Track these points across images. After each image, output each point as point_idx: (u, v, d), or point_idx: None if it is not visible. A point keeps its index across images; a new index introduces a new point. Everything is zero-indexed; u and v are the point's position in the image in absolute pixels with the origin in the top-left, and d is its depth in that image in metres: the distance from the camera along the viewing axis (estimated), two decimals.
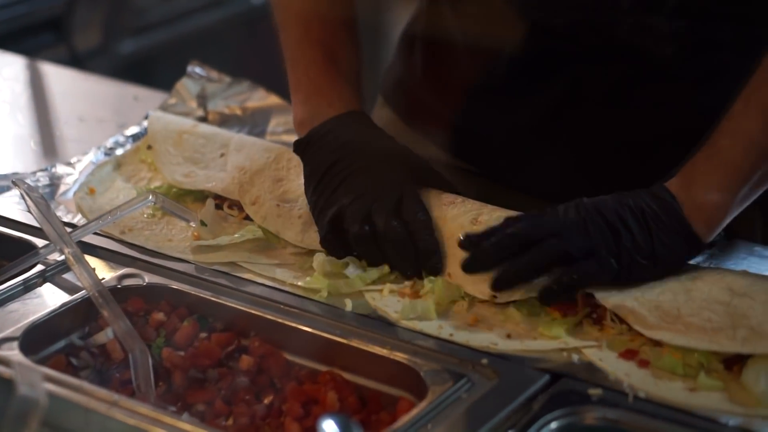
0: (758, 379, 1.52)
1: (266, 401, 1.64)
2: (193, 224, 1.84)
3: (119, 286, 1.76)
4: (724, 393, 1.53)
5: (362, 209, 1.74)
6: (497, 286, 1.66)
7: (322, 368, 1.65)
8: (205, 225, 1.83)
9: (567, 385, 1.55)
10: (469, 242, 1.67)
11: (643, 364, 1.59)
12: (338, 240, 1.76)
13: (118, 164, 2.08)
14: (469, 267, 1.67)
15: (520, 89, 1.89)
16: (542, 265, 1.64)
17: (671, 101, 1.85)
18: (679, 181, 1.68)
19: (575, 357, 1.61)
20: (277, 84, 2.44)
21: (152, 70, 2.52)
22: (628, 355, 1.60)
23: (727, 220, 1.68)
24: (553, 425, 1.48)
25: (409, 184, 1.78)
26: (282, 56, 1.96)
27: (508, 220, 1.67)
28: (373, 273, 1.75)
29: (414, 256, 1.73)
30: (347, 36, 1.94)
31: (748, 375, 1.53)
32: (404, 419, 1.49)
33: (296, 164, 1.92)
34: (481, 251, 1.67)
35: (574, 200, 1.68)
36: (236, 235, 1.83)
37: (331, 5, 1.94)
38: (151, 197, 1.82)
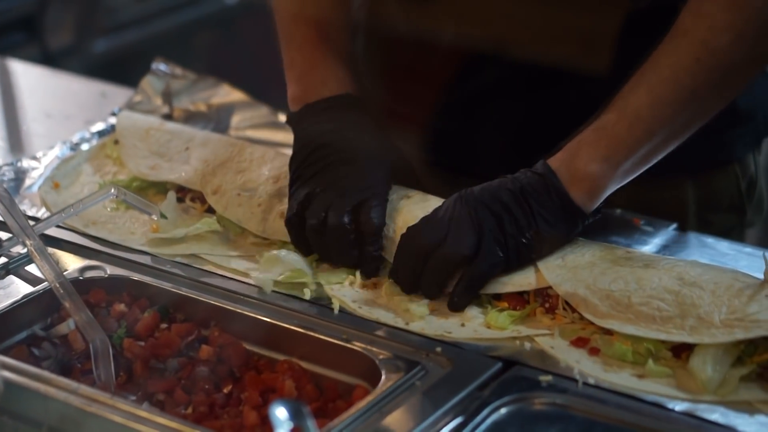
0: (705, 365, 1.55)
1: (225, 390, 1.66)
2: (155, 217, 1.87)
3: (81, 278, 1.79)
4: (671, 379, 1.57)
5: (326, 202, 1.78)
6: (428, 297, 1.73)
7: (280, 357, 1.68)
8: (166, 217, 1.86)
9: (518, 372, 1.58)
10: (392, 273, 1.75)
11: (594, 351, 1.62)
12: (300, 225, 1.79)
13: (84, 159, 2.11)
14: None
15: (455, 74, 1.93)
16: (444, 275, 1.71)
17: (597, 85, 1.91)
18: (563, 154, 1.74)
19: (527, 345, 1.64)
20: (249, 82, 2.47)
21: (125, 69, 2.54)
22: (579, 343, 1.64)
23: (608, 191, 1.74)
24: (503, 411, 1.51)
25: (382, 185, 1.81)
26: (253, 54, 2.00)
27: (406, 238, 1.73)
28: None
29: (353, 258, 1.77)
30: (339, 16, 1.99)
31: (695, 362, 1.56)
32: (358, 406, 1.52)
33: (258, 157, 1.96)
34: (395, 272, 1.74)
35: (460, 192, 1.74)
36: (191, 228, 1.86)
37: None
38: (113, 190, 1.84)
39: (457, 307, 1.70)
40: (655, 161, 1.75)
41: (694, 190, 2.02)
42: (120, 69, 2.62)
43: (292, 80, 1.93)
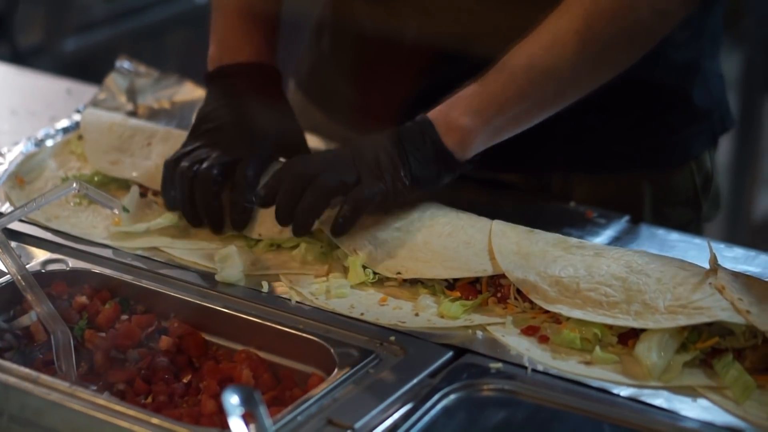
0: (650, 352, 1.59)
1: (184, 380, 1.70)
2: (116, 211, 1.90)
3: (43, 271, 1.82)
4: (618, 366, 1.61)
5: (204, 154, 1.88)
6: (296, 231, 1.81)
7: (238, 347, 1.72)
8: (128, 211, 1.89)
9: (469, 360, 1.62)
10: (262, 200, 1.84)
11: (543, 339, 1.66)
12: (173, 173, 1.89)
13: (48, 155, 2.14)
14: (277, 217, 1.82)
15: (421, 70, 1.97)
16: (323, 200, 1.79)
17: None
18: (443, 105, 1.83)
19: (479, 334, 1.68)
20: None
21: (95, 68, 2.57)
22: (530, 331, 1.68)
23: (480, 143, 1.83)
24: (453, 396, 1.55)
25: (263, 150, 1.91)
26: None
27: (286, 165, 1.84)
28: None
29: (213, 207, 1.87)
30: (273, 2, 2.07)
31: (641, 348, 1.60)
32: (311, 393, 1.55)
33: None
34: (275, 202, 1.82)
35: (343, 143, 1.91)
36: (153, 222, 1.89)
37: None
38: (75, 185, 1.87)
39: (341, 229, 1.80)
40: (529, 125, 1.84)
41: (651, 186, 2.07)
42: (90, 68, 2.65)
43: (213, 42, 2.04)
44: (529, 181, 2.08)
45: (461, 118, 1.81)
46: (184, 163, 1.87)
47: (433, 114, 1.83)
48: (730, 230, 4.10)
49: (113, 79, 2.33)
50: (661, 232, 1.97)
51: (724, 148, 4.22)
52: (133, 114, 2.28)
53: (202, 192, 1.86)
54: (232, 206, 1.86)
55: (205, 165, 1.86)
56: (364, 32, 2.06)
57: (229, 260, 1.80)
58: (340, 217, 1.79)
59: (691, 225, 2.12)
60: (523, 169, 2.05)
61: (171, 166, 1.89)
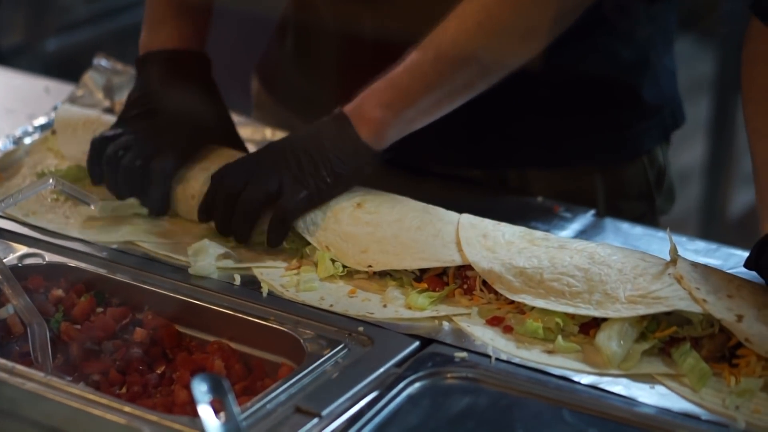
0: (610, 341, 1.64)
1: (158, 371, 1.74)
2: (92, 206, 1.94)
3: (20, 265, 1.86)
4: (579, 354, 1.66)
5: (127, 143, 1.95)
6: (237, 241, 1.89)
7: (211, 339, 1.76)
8: (102, 205, 1.93)
9: (435, 350, 1.67)
10: (202, 219, 1.91)
11: (508, 329, 1.71)
12: (100, 151, 1.97)
13: (26, 152, 2.17)
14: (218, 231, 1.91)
15: (382, 65, 2.01)
16: (252, 215, 1.86)
17: None
18: (356, 100, 1.89)
19: (446, 324, 1.72)
20: None
21: (76, 68, 2.60)
22: (494, 321, 1.72)
23: (394, 133, 1.89)
24: (418, 384, 1.59)
25: (183, 140, 1.97)
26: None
27: (215, 181, 1.89)
28: None
29: (140, 199, 1.95)
30: None
31: (601, 337, 1.65)
32: (279, 382, 1.59)
33: None
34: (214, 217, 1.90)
35: (262, 147, 1.94)
36: (118, 204, 1.95)
37: None
38: (51, 181, 1.91)
39: (272, 242, 1.86)
40: (441, 114, 1.90)
41: (605, 180, 2.13)
42: (71, 68, 2.67)
43: (144, 29, 2.12)
44: (487, 177, 2.13)
45: (373, 111, 1.87)
46: (111, 149, 1.95)
47: (348, 108, 1.89)
48: (706, 228, 4.15)
49: (90, 77, 2.37)
50: (625, 225, 2.01)
51: (700, 147, 4.28)
52: (110, 111, 2.32)
53: (127, 185, 1.94)
54: (150, 196, 1.95)
55: (128, 156, 1.93)
56: (326, 30, 2.10)
57: (201, 253, 1.84)
58: (270, 231, 1.85)
59: (645, 218, 2.16)
60: (481, 164, 2.10)
61: (97, 145, 1.98)
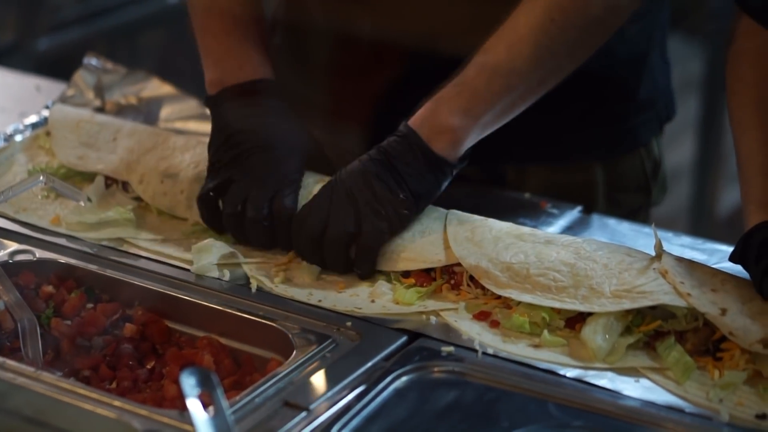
0: (595, 334, 1.65)
1: (148, 366, 1.76)
2: (82, 203, 1.95)
3: (11, 262, 1.87)
4: (565, 348, 1.67)
5: (243, 192, 1.87)
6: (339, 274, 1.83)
7: (200, 334, 1.77)
8: (91, 201, 1.95)
9: (422, 344, 1.68)
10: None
11: (494, 324, 1.72)
12: (213, 205, 1.90)
13: (17, 150, 2.19)
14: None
15: (374, 68, 2.03)
16: (341, 256, 1.81)
17: None
18: (424, 111, 1.84)
19: (433, 319, 1.74)
20: (190, 80, 2.54)
21: (68, 67, 2.61)
22: (481, 316, 1.74)
23: (470, 141, 1.85)
24: (405, 378, 1.61)
25: (296, 173, 1.90)
26: (194, 52, 2.08)
27: (296, 228, 1.84)
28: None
29: (268, 242, 1.88)
30: (252, 6, 2.05)
31: (587, 331, 1.67)
32: (268, 376, 1.61)
33: (181, 145, 2.04)
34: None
35: (329, 181, 1.86)
36: (104, 215, 1.95)
37: None
38: (42, 177, 1.92)
39: (362, 277, 1.82)
40: (514, 114, 1.87)
41: (603, 173, 2.14)
42: (63, 67, 2.68)
43: (209, 66, 2.01)
44: (484, 173, 2.14)
45: (449, 119, 1.82)
46: (228, 209, 1.88)
47: (416, 122, 1.84)
48: (694, 226, 4.17)
49: (81, 76, 2.38)
50: (612, 221, 2.03)
51: (688, 145, 4.30)
52: (100, 110, 2.33)
53: (256, 236, 1.87)
54: (279, 240, 1.88)
55: (250, 210, 1.86)
56: (316, 28, 2.11)
57: (205, 252, 1.86)
58: (356, 268, 1.81)
59: (642, 210, 2.19)
60: (478, 160, 2.11)
61: (209, 202, 1.90)
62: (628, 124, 2.13)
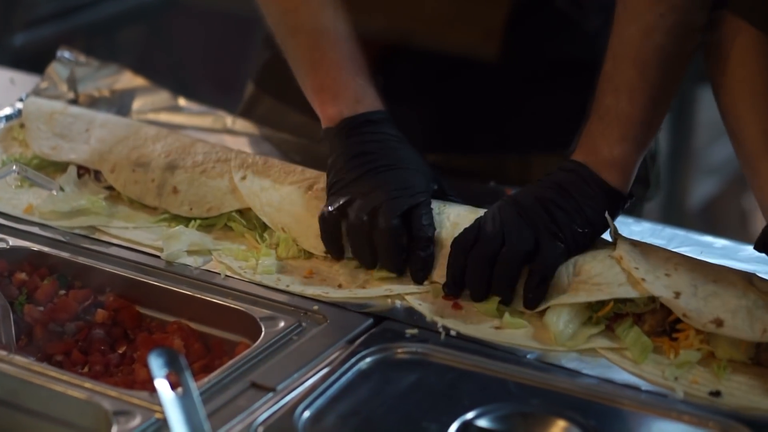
0: (558, 320, 1.70)
1: (120, 351, 1.79)
2: (54, 192, 1.99)
3: None
4: (527, 330, 1.72)
5: (373, 202, 1.81)
6: (504, 302, 1.76)
7: (171, 319, 1.81)
8: (63, 190, 1.98)
9: (387, 327, 1.72)
10: (451, 290, 1.78)
11: (457, 307, 1.76)
12: (333, 224, 1.84)
13: None
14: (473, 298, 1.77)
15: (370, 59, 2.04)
16: (515, 274, 1.74)
17: None
18: (582, 150, 1.81)
19: (398, 303, 1.78)
20: (168, 76, 2.58)
21: (45, 63, 2.64)
22: (445, 299, 1.78)
23: (636, 167, 1.82)
24: (368, 360, 1.64)
25: (427, 193, 1.86)
26: (174, 48, 2.09)
27: (462, 245, 1.76)
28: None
29: (400, 262, 1.81)
30: (353, 37, 1.98)
31: (549, 316, 1.71)
32: (236, 359, 1.65)
33: (153, 135, 2.08)
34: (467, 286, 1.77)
35: (501, 199, 1.81)
36: (76, 204, 1.98)
37: (335, 14, 1.98)
38: (14, 167, 1.96)
39: (532, 303, 1.73)
40: (663, 118, 1.84)
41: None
42: (39, 62, 2.71)
43: (327, 102, 1.95)
44: (486, 165, 2.14)
45: (612, 151, 1.79)
46: (355, 217, 1.81)
47: (581, 156, 1.80)
48: (667, 215, 4.21)
49: (54, 69, 2.41)
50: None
51: (661, 138, 4.34)
52: (74, 102, 2.36)
53: (388, 250, 1.81)
54: (414, 263, 1.81)
55: (383, 219, 1.79)
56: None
57: (174, 240, 1.89)
58: (529, 292, 1.73)
59: (638, 204, 2.18)
60: (481, 150, 2.10)
61: (331, 219, 1.84)
62: None
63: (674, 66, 1.81)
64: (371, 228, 1.80)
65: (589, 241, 1.78)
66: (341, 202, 1.83)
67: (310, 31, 1.96)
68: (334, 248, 1.86)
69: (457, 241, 1.77)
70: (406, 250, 1.81)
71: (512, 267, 1.73)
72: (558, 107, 2.11)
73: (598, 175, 1.79)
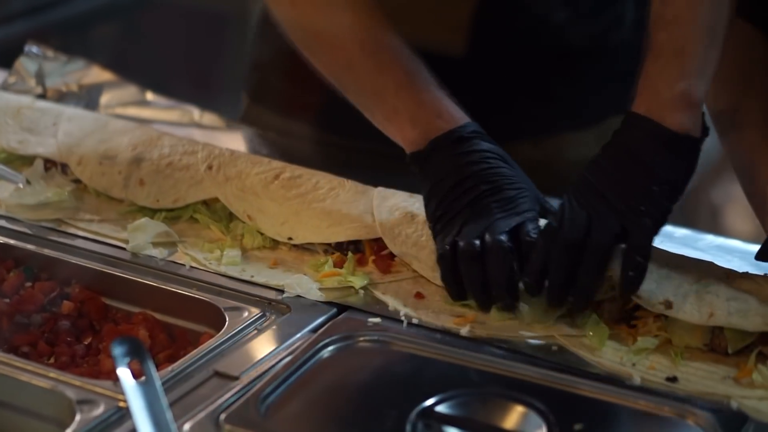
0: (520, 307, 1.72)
1: (85, 342, 1.80)
2: (21, 185, 2.00)
3: None
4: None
5: (480, 227, 1.72)
6: (576, 310, 1.69)
7: (136, 310, 1.82)
8: (30, 183, 1.99)
9: (350, 316, 1.74)
10: (535, 285, 1.69)
11: (420, 296, 1.78)
12: (454, 261, 1.72)
13: None
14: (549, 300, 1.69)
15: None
16: (605, 259, 1.65)
17: None
18: (641, 98, 1.68)
19: (362, 292, 1.80)
20: (139, 71, 2.59)
21: (15, 59, 2.65)
22: (407, 287, 1.80)
23: (702, 101, 1.69)
24: (331, 348, 1.66)
25: (535, 210, 1.77)
26: (149, 45, 2.10)
27: (547, 237, 1.67)
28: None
29: (514, 286, 1.70)
30: (409, 51, 1.88)
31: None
32: (199, 348, 1.67)
33: (120, 129, 2.10)
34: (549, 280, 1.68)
35: (568, 190, 1.70)
36: (43, 197, 1.99)
37: (387, 29, 1.88)
38: None
39: (633, 284, 1.64)
40: (720, 50, 1.70)
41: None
42: (11, 59, 2.72)
43: (405, 126, 1.82)
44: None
45: (673, 88, 1.66)
46: (464, 243, 1.69)
47: (639, 109, 1.67)
48: None
49: (22, 64, 2.43)
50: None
51: None
52: (42, 97, 2.38)
53: (497, 271, 1.68)
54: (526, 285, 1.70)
55: (489, 238, 1.68)
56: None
57: (139, 231, 1.91)
58: (630, 271, 1.63)
59: None
60: (512, 135, 1.99)
61: (449, 257, 1.71)
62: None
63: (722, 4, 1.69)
64: (482, 251, 1.69)
65: (671, 202, 1.66)
66: (453, 237, 1.73)
67: (365, 55, 1.85)
68: (457, 288, 1.74)
69: (542, 236, 1.68)
70: (517, 273, 1.69)
71: (600, 251, 1.64)
72: (527, 98, 2.13)
73: (662, 124, 1.65)
